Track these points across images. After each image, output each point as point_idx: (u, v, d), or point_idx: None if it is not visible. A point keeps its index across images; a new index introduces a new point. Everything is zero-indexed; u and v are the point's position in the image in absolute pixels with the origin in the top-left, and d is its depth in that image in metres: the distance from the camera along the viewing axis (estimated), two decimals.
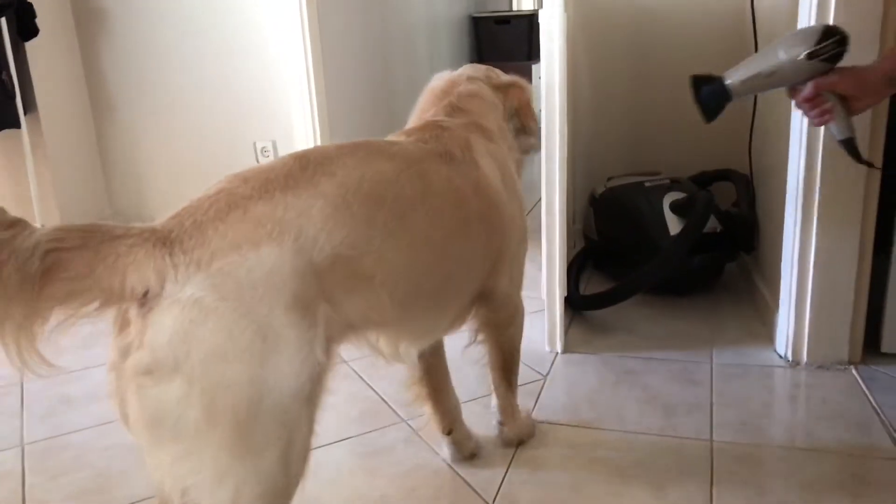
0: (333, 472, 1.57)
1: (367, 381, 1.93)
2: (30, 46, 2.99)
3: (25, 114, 2.84)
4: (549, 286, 2.01)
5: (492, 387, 1.59)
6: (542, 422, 1.69)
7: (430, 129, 1.36)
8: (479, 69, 1.60)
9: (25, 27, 2.90)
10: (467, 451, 1.58)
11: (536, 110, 1.63)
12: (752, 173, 2.38)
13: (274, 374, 0.92)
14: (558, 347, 2.04)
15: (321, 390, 1.00)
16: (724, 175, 2.53)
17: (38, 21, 2.93)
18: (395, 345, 1.25)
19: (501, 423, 1.61)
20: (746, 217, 2.31)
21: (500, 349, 1.53)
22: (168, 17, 3.17)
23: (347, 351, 2.08)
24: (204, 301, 0.89)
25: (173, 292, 0.89)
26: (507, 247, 1.40)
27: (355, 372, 1.98)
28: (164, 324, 0.89)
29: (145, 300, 0.90)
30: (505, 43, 5.43)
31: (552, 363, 1.98)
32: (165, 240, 0.92)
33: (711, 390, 1.80)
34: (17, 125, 2.78)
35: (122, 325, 0.94)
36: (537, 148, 1.68)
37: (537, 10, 5.78)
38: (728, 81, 1.49)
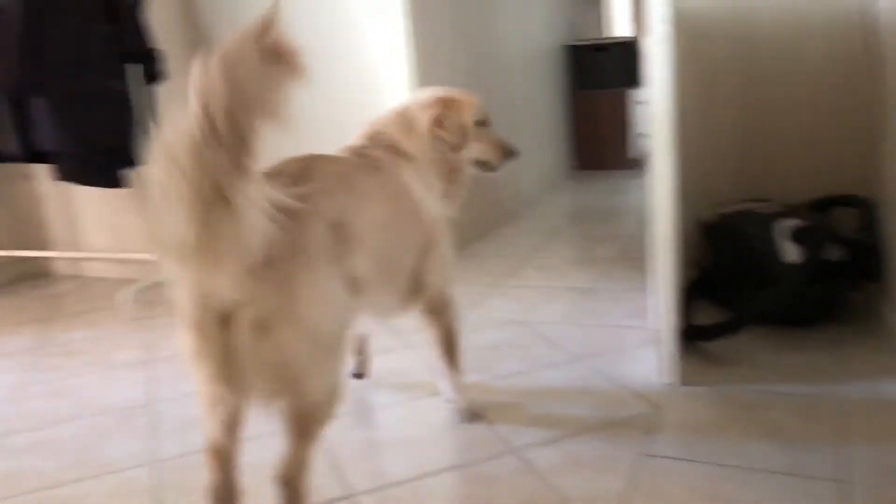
0: (445, 500, 1.58)
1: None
2: (158, 89, 3.19)
3: None
4: (661, 316, 1.97)
5: (442, 372, 1.87)
6: (656, 456, 1.66)
7: (355, 151, 1.66)
8: (424, 93, 1.89)
9: (155, 72, 3.10)
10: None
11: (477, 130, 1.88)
12: (876, 198, 2.27)
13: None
14: (672, 379, 1.99)
15: None
16: (845, 200, 2.42)
17: (165, 67, 3.13)
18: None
19: (451, 401, 1.88)
20: (871, 244, 2.20)
21: (439, 332, 1.82)
22: None
23: None
24: None
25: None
26: (433, 243, 1.71)
27: None
28: None
29: None
30: (602, 70, 5.41)
31: (665, 395, 1.93)
32: None
33: (841, 426, 1.71)
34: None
35: None
36: (460, 158, 1.87)
37: (636, 37, 5.74)
38: None
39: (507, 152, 1.95)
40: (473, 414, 1.89)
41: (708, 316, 2.35)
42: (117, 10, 2.70)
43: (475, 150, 1.90)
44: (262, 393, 1.29)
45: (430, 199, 1.70)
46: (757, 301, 2.06)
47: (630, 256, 3.22)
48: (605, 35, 6.92)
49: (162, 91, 3.23)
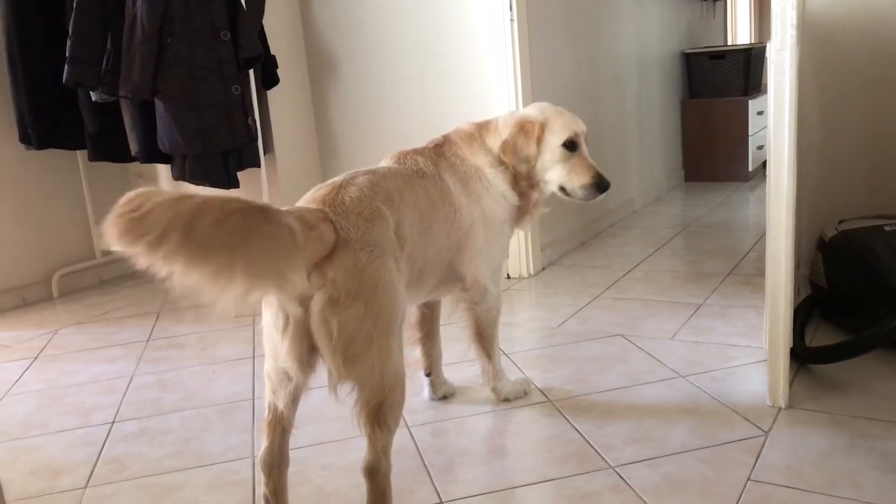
0: None
1: (572, 422, 1.89)
2: (271, 94, 3.32)
3: (264, 154, 3.15)
4: (773, 336, 1.86)
5: (475, 355, 2.00)
6: (762, 482, 1.56)
7: (408, 156, 1.81)
8: (525, 109, 1.97)
9: (269, 77, 3.22)
10: (440, 393, 2.09)
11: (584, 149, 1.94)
12: None
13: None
14: (781, 402, 1.88)
15: None
16: None
17: (279, 71, 3.25)
18: None
19: (490, 385, 2.02)
20: None
21: (475, 321, 1.94)
22: (390, 66, 3.38)
23: (553, 389, 2.06)
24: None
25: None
26: (470, 241, 1.82)
27: (559, 411, 1.95)
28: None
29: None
30: (718, 79, 5.21)
31: (774, 419, 1.82)
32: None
33: None
34: (257, 164, 3.08)
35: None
36: (522, 178, 1.91)
37: (754, 45, 5.50)
38: None
39: (599, 183, 1.88)
40: (507, 398, 2.03)
41: (822, 337, 2.21)
42: (237, 18, 2.82)
43: (556, 174, 1.89)
44: (330, 371, 1.41)
45: (470, 204, 1.82)
46: (883, 325, 1.91)
47: (742, 272, 3.07)
48: (726, 43, 6.68)
49: (274, 95, 3.36)
